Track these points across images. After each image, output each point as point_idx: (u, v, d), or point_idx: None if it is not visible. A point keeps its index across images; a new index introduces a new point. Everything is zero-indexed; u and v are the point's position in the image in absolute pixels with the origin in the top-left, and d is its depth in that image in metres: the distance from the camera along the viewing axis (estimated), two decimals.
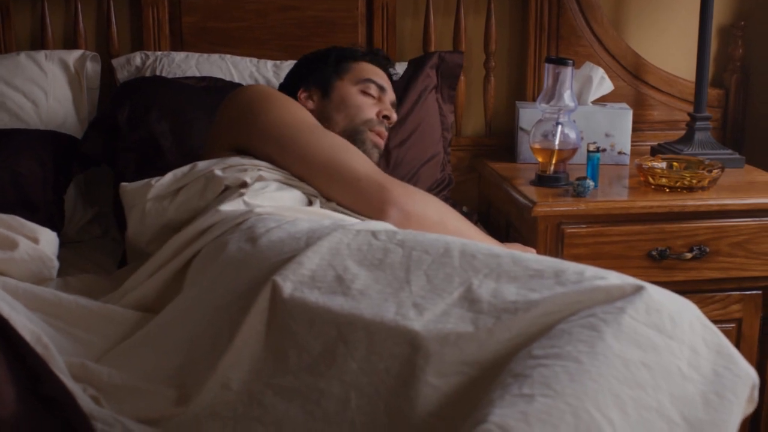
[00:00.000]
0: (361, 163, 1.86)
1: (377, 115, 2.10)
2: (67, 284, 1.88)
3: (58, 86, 2.47)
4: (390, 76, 2.23)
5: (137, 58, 2.52)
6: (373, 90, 2.13)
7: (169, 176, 1.83)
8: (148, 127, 2.24)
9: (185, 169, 1.84)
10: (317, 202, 1.82)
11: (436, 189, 2.38)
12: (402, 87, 2.39)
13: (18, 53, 2.48)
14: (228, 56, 2.56)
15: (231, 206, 1.69)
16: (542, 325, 1.19)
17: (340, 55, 2.19)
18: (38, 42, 2.58)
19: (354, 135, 2.04)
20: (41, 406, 1.23)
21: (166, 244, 1.71)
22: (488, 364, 1.17)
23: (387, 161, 2.30)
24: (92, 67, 2.51)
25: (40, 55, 2.49)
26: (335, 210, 1.81)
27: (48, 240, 1.77)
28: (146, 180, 1.85)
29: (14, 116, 2.39)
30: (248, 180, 1.76)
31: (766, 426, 2.41)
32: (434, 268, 1.33)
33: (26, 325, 1.39)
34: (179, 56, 2.52)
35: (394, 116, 2.15)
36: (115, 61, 2.54)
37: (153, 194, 1.81)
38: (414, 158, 2.37)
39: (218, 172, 1.78)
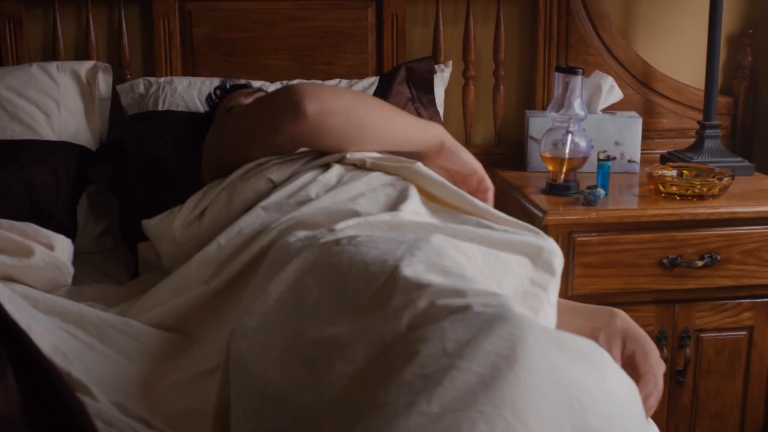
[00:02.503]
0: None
1: None
2: (81, 292, 1.88)
3: (70, 97, 2.49)
4: (240, 86, 2.28)
5: (141, 85, 2.54)
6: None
7: (190, 202, 1.82)
8: (155, 157, 2.26)
9: (201, 192, 1.84)
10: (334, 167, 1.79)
11: None
12: None
13: (30, 64, 2.50)
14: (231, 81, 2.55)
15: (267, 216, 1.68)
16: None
17: (209, 113, 2.26)
18: (50, 53, 2.60)
19: None
20: (48, 411, 1.25)
21: (198, 263, 1.69)
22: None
23: None
24: (104, 78, 2.52)
25: (52, 66, 2.50)
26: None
27: (63, 247, 1.77)
28: (167, 211, 1.84)
29: (27, 127, 2.41)
30: (275, 179, 1.75)
31: None
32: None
33: (45, 335, 1.40)
34: (182, 84, 2.53)
35: None
36: (119, 87, 2.55)
37: (180, 222, 1.79)
38: None
39: (238, 181, 1.78)
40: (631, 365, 1.45)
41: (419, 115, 2.41)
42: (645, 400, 1.39)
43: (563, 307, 1.64)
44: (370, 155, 1.80)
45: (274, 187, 1.74)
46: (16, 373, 1.23)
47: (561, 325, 1.56)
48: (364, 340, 1.09)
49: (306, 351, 1.16)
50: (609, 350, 1.46)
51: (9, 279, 1.64)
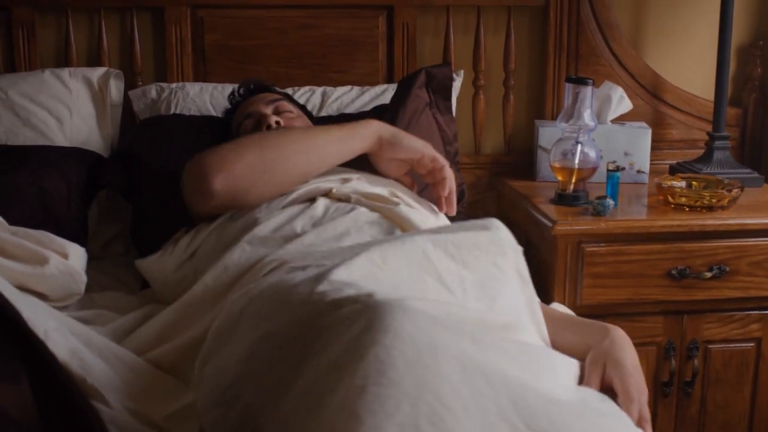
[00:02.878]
0: None
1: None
2: (92, 300, 1.90)
3: (82, 103, 2.50)
4: (262, 89, 2.28)
5: (153, 90, 2.55)
6: (250, 123, 2.13)
7: (182, 243, 1.84)
8: (167, 163, 2.27)
9: (192, 232, 1.86)
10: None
11: None
12: (392, 114, 2.35)
13: (43, 70, 2.51)
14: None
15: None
16: None
17: (229, 114, 2.27)
18: (62, 59, 2.61)
19: None
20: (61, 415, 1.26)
21: (185, 306, 1.70)
22: None
23: None
24: (116, 85, 2.54)
25: (65, 72, 2.52)
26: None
27: (77, 255, 1.79)
28: (159, 252, 1.87)
29: (39, 133, 2.42)
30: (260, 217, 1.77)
31: None
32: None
33: (62, 341, 1.41)
34: (194, 89, 2.54)
35: (277, 119, 2.10)
36: (131, 93, 2.57)
37: (172, 264, 1.82)
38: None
39: (227, 221, 1.80)
40: (608, 390, 1.44)
41: (435, 121, 2.41)
42: None
43: (559, 321, 1.64)
44: (356, 189, 1.84)
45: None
46: (31, 378, 1.25)
47: (553, 339, 1.56)
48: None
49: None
50: (589, 374, 1.45)
51: (22, 287, 1.65)
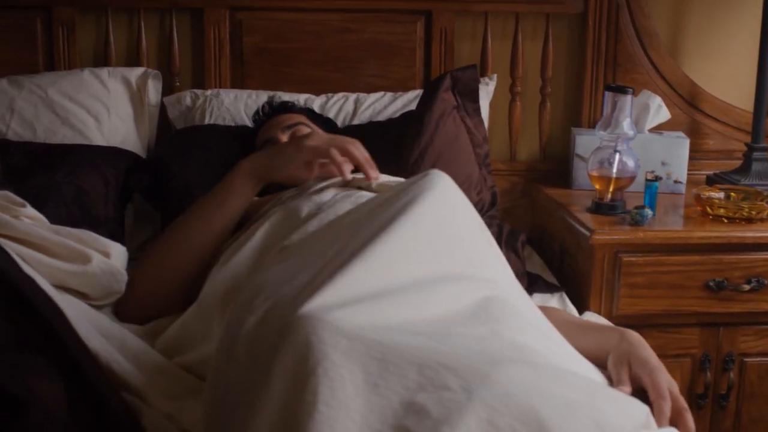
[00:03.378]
0: None
1: None
2: None
3: (120, 103, 2.51)
4: (284, 108, 2.29)
5: (187, 97, 2.56)
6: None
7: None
8: (196, 176, 2.29)
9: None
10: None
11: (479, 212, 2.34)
12: (418, 119, 2.36)
13: (82, 70, 2.53)
14: (278, 93, 2.56)
15: None
16: None
17: (254, 133, 2.28)
18: (101, 59, 2.63)
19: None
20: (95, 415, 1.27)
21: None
22: None
23: None
24: (154, 85, 2.55)
25: (104, 71, 2.53)
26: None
27: (118, 254, 1.80)
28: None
29: (78, 132, 2.43)
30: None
31: None
32: None
33: (103, 341, 1.42)
34: (228, 97, 2.55)
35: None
36: (166, 99, 2.58)
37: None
38: None
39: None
40: (638, 390, 1.42)
41: (464, 123, 2.41)
42: (661, 423, 1.37)
43: (575, 325, 1.63)
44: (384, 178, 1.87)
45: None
46: (64, 376, 1.26)
47: (573, 344, 1.55)
48: None
49: None
50: (617, 375, 1.43)
51: (62, 286, 1.66)
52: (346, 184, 1.86)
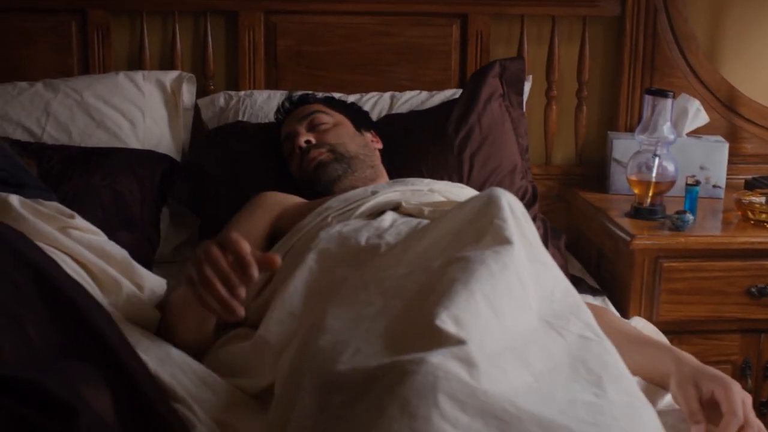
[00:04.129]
0: None
1: (299, 158, 2.11)
2: None
3: (155, 106, 2.51)
4: (302, 101, 2.26)
5: (221, 98, 2.55)
6: (289, 143, 2.15)
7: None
8: (232, 178, 2.29)
9: None
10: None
11: (520, 200, 2.29)
12: (465, 99, 2.36)
13: (117, 73, 2.53)
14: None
15: None
16: None
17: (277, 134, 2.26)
18: (136, 62, 2.62)
19: (308, 186, 2.09)
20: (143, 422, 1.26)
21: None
22: None
23: (460, 170, 2.27)
24: (188, 88, 2.54)
25: (138, 75, 2.53)
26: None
27: (154, 289, 1.75)
28: None
29: (113, 135, 2.43)
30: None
31: None
32: None
33: (152, 349, 1.41)
34: (261, 96, 2.54)
35: (307, 137, 2.11)
36: (200, 101, 2.57)
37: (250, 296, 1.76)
38: (491, 166, 2.31)
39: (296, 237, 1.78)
40: (712, 406, 1.41)
41: (509, 113, 2.39)
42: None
43: (627, 338, 1.60)
44: (422, 201, 1.79)
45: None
46: (111, 384, 1.25)
47: (623, 358, 1.53)
48: None
49: None
50: (685, 399, 1.43)
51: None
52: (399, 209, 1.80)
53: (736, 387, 1.40)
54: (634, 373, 1.48)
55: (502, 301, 1.25)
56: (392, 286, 1.35)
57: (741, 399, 1.39)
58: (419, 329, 1.19)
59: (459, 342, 1.14)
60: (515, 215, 1.39)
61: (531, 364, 1.20)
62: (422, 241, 1.45)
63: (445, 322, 1.18)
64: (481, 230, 1.37)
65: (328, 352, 1.22)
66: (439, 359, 1.11)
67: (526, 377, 1.18)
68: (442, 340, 1.15)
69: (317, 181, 2.06)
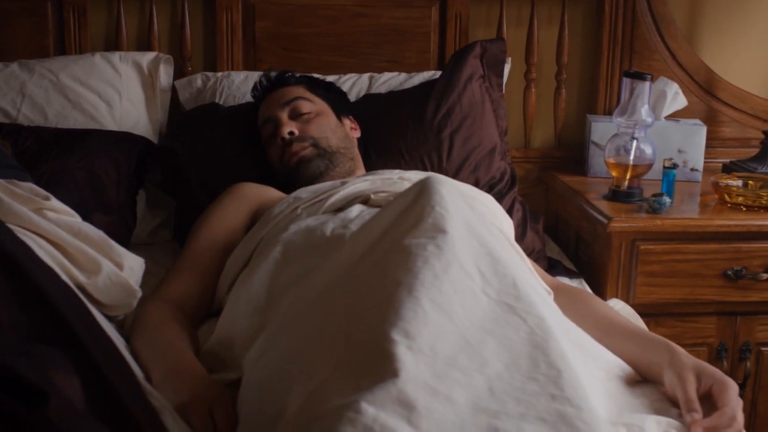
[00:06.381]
0: None
1: (280, 148, 2.10)
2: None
3: (132, 88, 2.49)
4: (281, 81, 2.23)
5: (198, 79, 2.54)
6: (269, 128, 2.14)
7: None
8: (204, 158, 2.28)
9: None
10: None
11: (499, 181, 2.31)
12: (446, 78, 2.35)
13: (93, 54, 2.51)
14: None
15: None
16: None
17: (254, 110, 2.26)
18: (112, 43, 2.60)
19: (287, 179, 2.08)
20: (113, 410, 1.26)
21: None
22: None
23: (439, 149, 2.27)
24: (165, 70, 2.52)
25: (115, 56, 2.51)
26: None
27: (133, 267, 1.74)
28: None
29: (89, 116, 2.41)
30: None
31: None
32: None
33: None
34: (239, 78, 2.52)
35: (290, 128, 2.10)
36: (177, 83, 2.55)
37: (225, 288, 1.79)
38: (470, 145, 2.30)
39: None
40: (708, 400, 1.40)
41: (489, 95, 2.38)
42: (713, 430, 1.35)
43: (616, 328, 1.60)
44: (396, 191, 1.78)
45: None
46: (80, 372, 1.24)
47: (614, 348, 1.52)
48: None
49: None
50: (684, 386, 1.40)
51: (81, 289, 1.63)
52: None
53: (735, 389, 1.40)
54: (624, 360, 1.50)
55: (450, 301, 1.22)
56: (344, 282, 1.34)
57: (736, 400, 1.39)
58: (368, 347, 1.16)
59: (395, 375, 1.10)
60: (454, 200, 1.36)
61: (488, 362, 1.17)
62: (369, 228, 1.42)
63: (395, 341, 1.14)
64: (419, 215, 1.33)
65: (284, 383, 1.22)
66: (375, 411, 1.06)
67: (478, 386, 1.15)
68: (387, 371, 1.11)
69: (298, 177, 2.05)
